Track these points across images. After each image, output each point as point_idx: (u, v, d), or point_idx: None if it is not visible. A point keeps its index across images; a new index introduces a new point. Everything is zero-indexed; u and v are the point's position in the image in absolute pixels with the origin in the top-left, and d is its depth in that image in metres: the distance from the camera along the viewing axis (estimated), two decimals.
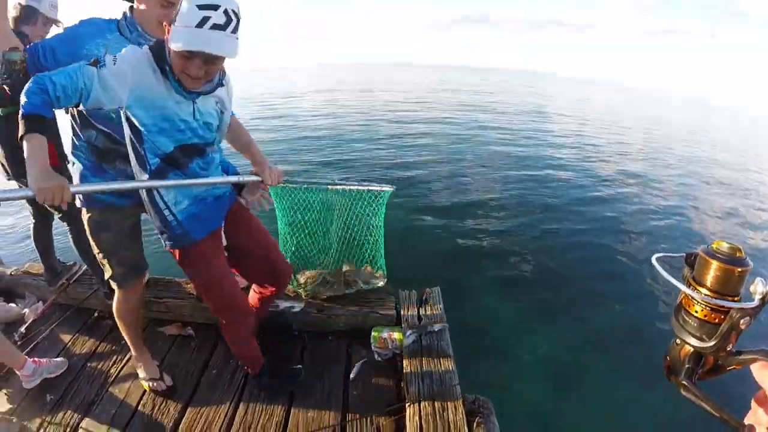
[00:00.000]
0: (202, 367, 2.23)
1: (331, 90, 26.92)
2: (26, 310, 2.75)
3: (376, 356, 2.24)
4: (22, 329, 2.53)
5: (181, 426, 1.92)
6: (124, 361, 2.28)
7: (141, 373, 2.13)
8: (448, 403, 1.86)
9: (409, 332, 2.21)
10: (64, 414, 2.00)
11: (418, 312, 2.37)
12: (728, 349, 0.74)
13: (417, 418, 1.80)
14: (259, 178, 1.72)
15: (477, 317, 3.79)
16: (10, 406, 2.03)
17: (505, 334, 3.66)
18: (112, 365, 2.27)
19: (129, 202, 1.79)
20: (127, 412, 2.00)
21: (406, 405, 1.88)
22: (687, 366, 0.79)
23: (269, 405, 2.00)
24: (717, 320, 0.73)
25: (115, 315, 2.01)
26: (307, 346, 2.34)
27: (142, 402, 2.05)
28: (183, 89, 1.42)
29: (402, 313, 2.36)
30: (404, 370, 2.06)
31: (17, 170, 2.23)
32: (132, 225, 1.87)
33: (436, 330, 2.25)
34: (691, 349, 0.78)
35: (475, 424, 1.83)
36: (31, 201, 2.56)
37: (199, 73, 1.36)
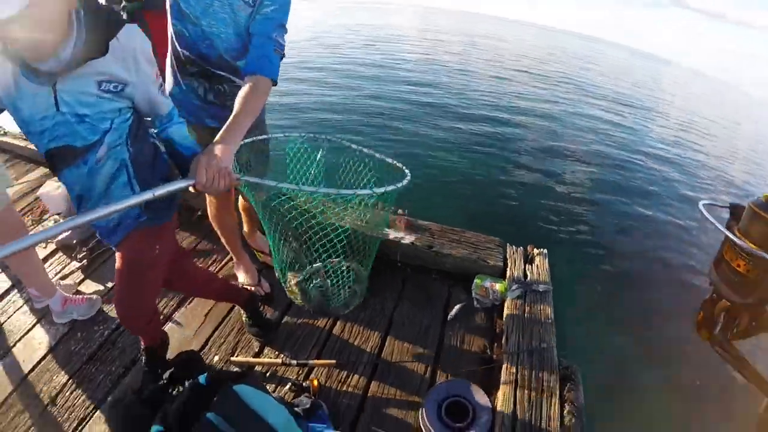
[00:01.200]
0: None
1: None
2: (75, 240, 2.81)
3: (475, 303, 2.28)
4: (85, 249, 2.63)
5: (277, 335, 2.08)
6: (224, 261, 2.47)
7: (241, 278, 2.28)
8: (545, 364, 1.87)
9: (514, 286, 2.21)
10: (160, 302, 2.22)
11: (524, 268, 2.35)
12: (765, 309, 0.72)
13: (513, 371, 1.83)
14: (185, 184, 1.13)
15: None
16: None
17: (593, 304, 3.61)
18: (211, 265, 2.47)
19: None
20: (220, 310, 2.19)
21: (504, 356, 1.93)
22: (722, 322, 0.78)
23: (366, 328, 2.12)
24: (758, 275, 0.69)
25: (211, 219, 2.12)
26: (408, 278, 2.42)
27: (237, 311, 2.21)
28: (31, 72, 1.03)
29: (508, 266, 2.35)
30: (504, 322, 2.08)
31: None
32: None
33: (540, 290, 2.23)
34: (728, 305, 0.75)
35: (566, 390, 1.86)
36: None
37: None
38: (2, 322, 2.19)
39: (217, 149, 1.15)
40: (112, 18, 1.10)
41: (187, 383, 1.70)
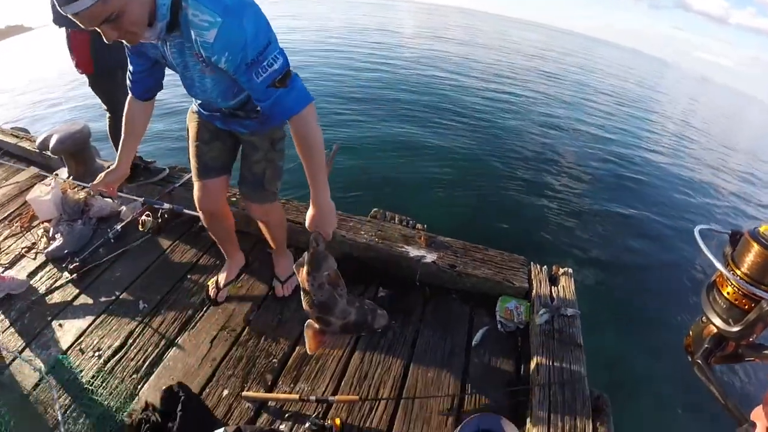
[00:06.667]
0: None
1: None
2: (123, 208, 2.78)
3: (499, 326, 2.15)
4: (118, 227, 2.56)
5: (288, 363, 1.94)
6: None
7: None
8: (577, 395, 1.74)
9: (542, 311, 2.08)
10: (161, 323, 2.11)
11: (551, 290, 2.22)
12: (751, 339, 0.72)
13: (546, 403, 1.71)
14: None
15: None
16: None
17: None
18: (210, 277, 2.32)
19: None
20: (226, 336, 2.06)
21: (534, 388, 1.81)
22: (706, 346, 0.76)
23: (387, 356, 1.98)
24: (747, 307, 0.70)
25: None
26: (429, 300, 2.27)
27: (244, 327, 2.09)
28: None
29: (533, 287, 2.22)
30: (533, 350, 1.96)
31: None
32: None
33: (568, 314, 2.11)
34: (714, 330, 0.75)
35: (598, 423, 1.74)
36: (107, 99, 2.58)
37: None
38: None
39: (321, 201, 1.41)
40: None
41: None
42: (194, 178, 1.87)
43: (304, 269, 1.44)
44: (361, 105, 8.42)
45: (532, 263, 2.35)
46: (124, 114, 1.69)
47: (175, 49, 1.34)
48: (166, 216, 2.58)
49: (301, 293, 1.45)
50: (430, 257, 2.28)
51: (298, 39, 13.79)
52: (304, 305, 1.48)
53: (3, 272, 2.39)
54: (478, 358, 2.00)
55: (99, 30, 1.13)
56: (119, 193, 1.90)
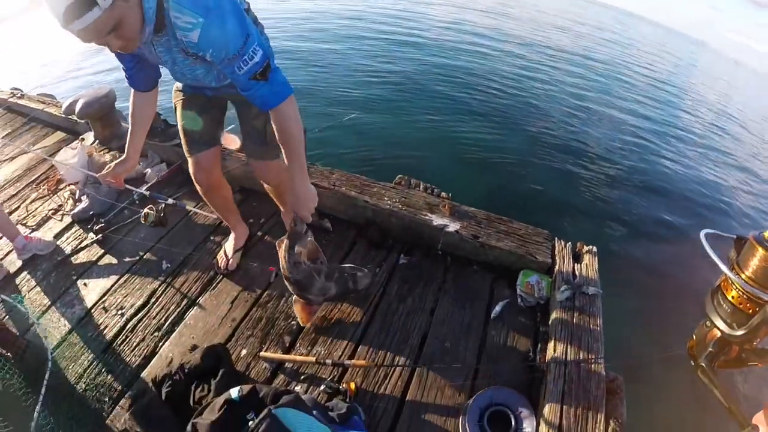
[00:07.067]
0: None
1: None
2: (148, 170, 2.82)
3: (519, 300, 2.12)
4: (143, 189, 2.60)
5: (306, 326, 1.94)
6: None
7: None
8: (592, 376, 1.71)
9: (564, 287, 2.04)
10: (183, 283, 2.14)
11: (574, 267, 2.17)
12: (755, 343, 0.72)
13: (561, 381, 1.68)
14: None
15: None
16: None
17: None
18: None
19: None
20: (247, 297, 2.08)
21: (550, 365, 1.78)
22: (710, 350, 0.78)
23: (405, 324, 1.98)
24: (751, 311, 0.70)
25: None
26: (449, 269, 2.25)
27: (264, 289, 2.10)
28: None
29: (556, 263, 2.17)
30: (551, 327, 1.92)
31: None
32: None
33: (590, 293, 2.06)
34: (718, 334, 0.76)
35: (611, 405, 1.71)
36: None
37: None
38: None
39: (297, 188, 1.47)
40: None
41: (213, 381, 1.59)
42: (187, 155, 1.88)
43: (281, 249, 1.57)
44: (393, 73, 8.27)
45: (556, 238, 2.29)
46: (130, 107, 1.69)
47: (162, 48, 1.36)
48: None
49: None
50: (453, 226, 2.24)
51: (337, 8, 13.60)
52: (285, 283, 1.60)
53: (30, 233, 2.47)
54: (495, 330, 1.98)
55: (103, 43, 1.14)
56: (126, 185, 1.94)
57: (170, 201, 2.20)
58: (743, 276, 0.70)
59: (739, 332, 0.71)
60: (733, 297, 0.72)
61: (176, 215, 2.49)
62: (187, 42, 1.25)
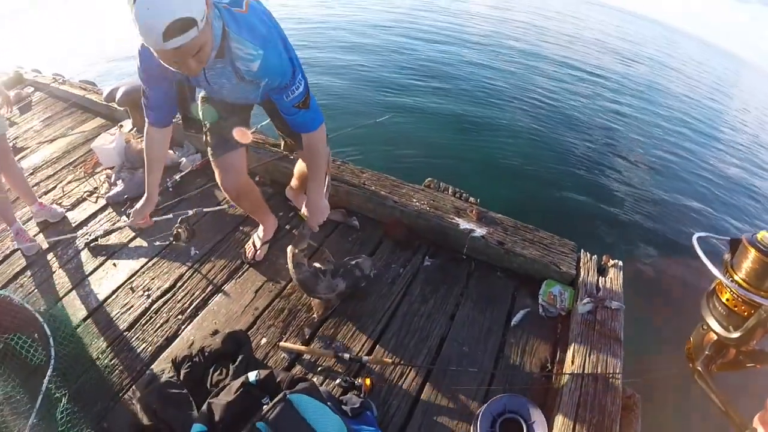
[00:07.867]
0: None
1: None
2: (183, 159, 2.89)
3: (540, 309, 2.10)
4: (177, 177, 2.67)
5: (327, 320, 1.97)
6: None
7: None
8: (609, 392, 1.68)
9: (587, 299, 2.01)
10: (210, 270, 2.19)
11: (598, 280, 2.14)
12: (751, 345, 0.72)
13: (577, 394, 1.66)
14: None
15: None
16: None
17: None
18: None
19: None
20: (271, 287, 2.12)
21: (567, 376, 1.76)
22: (707, 353, 0.77)
23: (425, 325, 1.98)
24: (746, 313, 0.70)
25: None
26: (473, 273, 2.25)
27: (289, 281, 2.11)
28: None
29: (580, 275, 2.14)
30: (571, 338, 1.90)
31: None
32: None
33: (612, 307, 2.03)
34: (715, 337, 0.75)
35: (626, 422, 1.68)
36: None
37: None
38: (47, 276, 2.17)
39: (313, 201, 1.74)
40: None
41: (231, 366, 1.62)
42: (213, 159, 1.87)
43: (289, 251, 1.83)
44: (427, 76, 8.29)
45: (582, 250, 2.27)
46: (145, 145, 1.70)
47: (214, 72, 1.42)
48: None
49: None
50: (480, 231, 2.24)
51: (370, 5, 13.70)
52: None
53: (51, 204, 2.61)
54: (514, 338, 1.97)
55: (180, 64, 1.18)
56: (155, 219, 2.04)
57: (190, 212, 2.25)
58: (737, 278, 0.71)
59: (735, 335, 0.71)
60: (727, 299, 0.73)
61: (208, 204, 2.54)
62: (245, 71, 1.36)
